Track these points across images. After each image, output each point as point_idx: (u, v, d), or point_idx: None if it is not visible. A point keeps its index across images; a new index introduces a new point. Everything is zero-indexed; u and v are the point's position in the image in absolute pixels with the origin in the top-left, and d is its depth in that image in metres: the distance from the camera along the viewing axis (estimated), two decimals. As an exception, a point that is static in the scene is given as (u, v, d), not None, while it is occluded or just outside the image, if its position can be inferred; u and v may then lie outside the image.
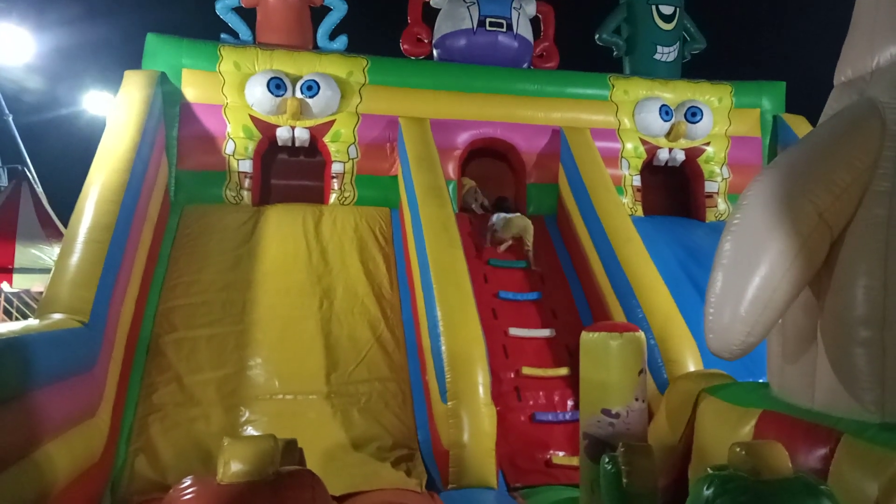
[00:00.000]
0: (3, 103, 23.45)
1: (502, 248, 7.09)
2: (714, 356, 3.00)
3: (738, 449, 2.33)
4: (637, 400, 3.87)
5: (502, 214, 7.16)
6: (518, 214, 7.24)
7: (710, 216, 8.34)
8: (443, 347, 4.99)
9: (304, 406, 5.33)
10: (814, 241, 2.84)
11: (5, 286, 13.95)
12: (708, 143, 8.40)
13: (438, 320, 5.16)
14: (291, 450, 3.11)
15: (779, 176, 2.92)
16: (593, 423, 3.89)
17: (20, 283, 14.43)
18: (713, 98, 8.45)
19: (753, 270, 2.78)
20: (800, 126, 8.24)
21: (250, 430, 5.08)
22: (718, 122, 8.40)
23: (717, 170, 8.41)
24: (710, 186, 8.40)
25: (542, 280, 6.96)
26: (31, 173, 19.61)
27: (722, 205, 8.38)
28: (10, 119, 23.36)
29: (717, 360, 3.42)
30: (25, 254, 14.97)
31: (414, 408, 5.53)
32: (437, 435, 5.02)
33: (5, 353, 3.25)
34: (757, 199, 2.89)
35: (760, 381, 4.08)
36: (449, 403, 4.78)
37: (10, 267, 14.55)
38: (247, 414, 5.20)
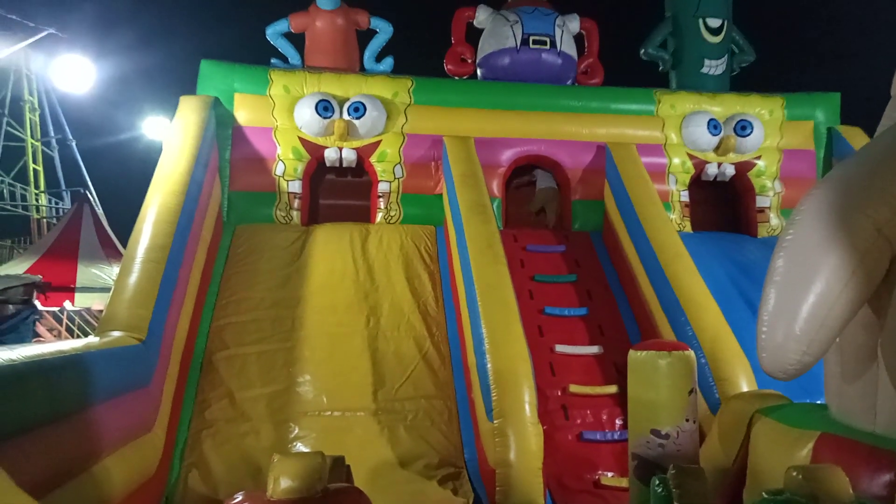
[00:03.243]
0: (67, 129, 24.57)
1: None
2: (768, 376, 2.92)
3: (795, 473, 2.26)
4: (688, 420, 3.79)
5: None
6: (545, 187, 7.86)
7: (763, 231, 8.13)
8: (488, 365, 4.97)
9: (351, 423, 5.38)
10: (872, 256, 2.74)
11: (67, 304, 14.52)
12: (759, 157, 8.21)
13: (483, 337, 5.16)
14: (339, 467, 3.14)
15: (834, 189, 2.83)
16: (642, 443, 3.82)
17: (81, 301, 15.01)
18: (764, 111, 8.27)
19: (808, 287, 2.69)
20: (856, 138, 7.99)
21: (299, 447, 5.15)
22: (770, 136, 8.20)
23: (769, 184, 8.21)
24: (761, 201, 8.20)
25: (590, 296, 6.89)
26: (93, 196, 20.48)
27: (774, 220, 8.16)
28: (74, 144, 24.45)
29: (771, 381, 3.32)
30: (86, 273, 15.58)
31: (460, 426, 5.52)
32: (483, 453, 4.99)
33: (67, 370, 3.38)
34: (811, 213, 2.81)
35: (818, 402, 3.94)
36: (495, 422, 4.75)
37: (72, 286, 15.15)
38: (296, 430, 5.27)
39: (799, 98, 8.44)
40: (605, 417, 5.73)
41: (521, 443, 4.63)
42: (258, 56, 7.95)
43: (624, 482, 4.96)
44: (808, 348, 2.71)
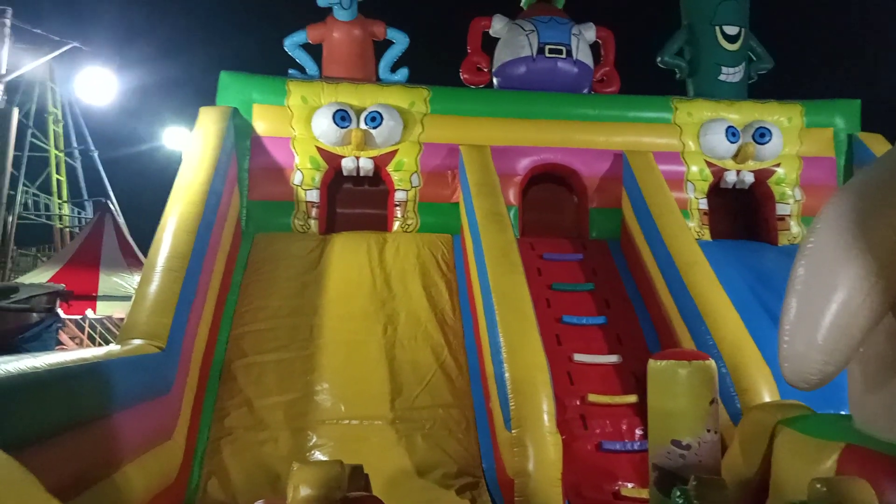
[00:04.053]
0: (90, 140, 24.97)
1: None
2: (790, 386, 2.88)
3: (818, 485, 2.23)
4: (709, 431, 3.75)
5: None
6: None
7: (783, 240, 8.04)
8: (506, 374, 4.96)
9: (368, 431, 5.38)
10: (894, 264, 2.70)
11: (89, 312, 14.71)
12: (778, 165, 8.14)
13: (501, 346, 5.15)
14: (357, 475, 3.14)
15: (855, 197, 2.80)
16: (663, 454, 3.78)
17: (103, 309, 15.21)
18: (783, 118, 8.20)
19: (830, 296, 2.66)
20: (877, 144, 7.89)
21: (317, 455, 5.16)
22: (789, 143, 8.13)
23: (789, 192, 8.13)
24: (781, 209, 8.11)
25: (608, 304, 6.85)
26: (114, 205, 20.76)
27: (795, 228, 8.07)
28: (96, 154, 24.83)
29: (793, 391, 3.27)
30: (108, 282, 15.80)
31: (478, 435, 5.50)
32: (501, 463, 4.97)
33: (89, 378, 3.43)
34: (832, 221, 2.79)
35: (842, 412, 3.88)
36: (513, 431, 4.73)
37: (94, 294, 15.36)
38: (313, 438, 5.29)
39: (818, 105, 8.36)
40: (624, 427, 5.68)
41: (540, 452, 4.61)
42: (276, 67, 8.05)
43: (644, 493, 4.91)
44: (830, 358, 2.67)
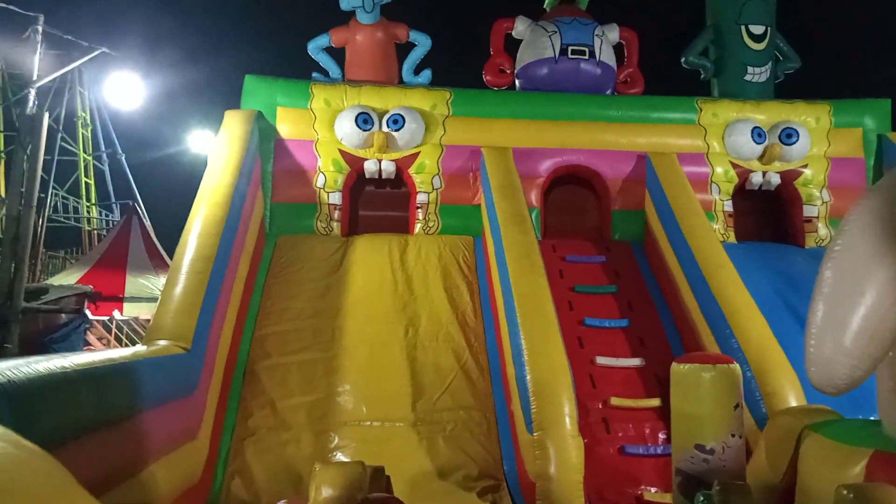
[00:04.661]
0: (117, 144, 25.41)
1: None
2: (817, 390, 2.84)
3: (845, 492, 2.19)
4: (733, 436, 3.70)
5: None
6: None
7: (810, 242, 7.91)
8: (527, 376, 4.95)
9: (390, 433, 5.40)
10: (926, 267, 2.65)
11: (116, 314, 14.95)
12: (805, 165, 8.01)
13: (522, 349, 5.13)
14: (379, 477, 3.16)
15: (884, 198, 2.75)
16: (686, 458, 3.74)
17: (130, 310, 15.44)
18: (810, 118, 8.07)
19: (858, 299, 2.62)
20: (908, 145, 7.74)
21: (339, 456, 5.19)
22: (816, 143, 8.00)
23: (817, 193, 8.00)
24: (809, 210, 7.99)
25: (630, 306, 6.79)
26: (141, 208, 21.09)
27: (823, 230, 7.93)
28: (123, 158, 25.25)
29: (820, 395, 3.22)
30: (135, 283, 16.05)
31: (499, 437, 5.49)
32: (523, 466, 4.95)
33: (116, 378, 3.49)
34: (860, 222, 2.74)
35: (871, 418, 3.80)
36: (534, 434, 4.71)
37: (121, 296, 15.61)
38: (335, 439, 5.32)
39: (847, 105, 8.22)
40: (647, 431, 5.63)
41: (562, 455, 4.59)
42: (300, 70, 8.12)
43: (667, 498, 4.86)
44: (858, 362, 2.63)
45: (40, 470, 0.80)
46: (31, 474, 0.78)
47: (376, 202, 8.20)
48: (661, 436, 5.55)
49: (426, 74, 8.22)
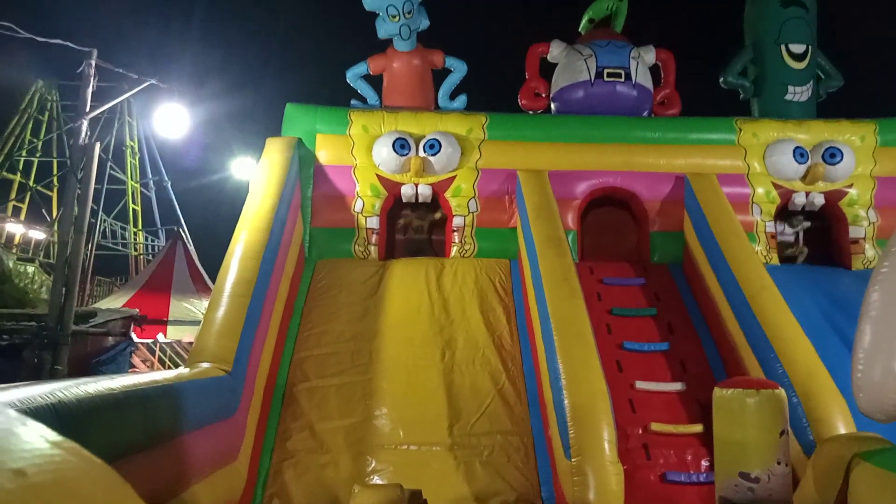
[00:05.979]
0: (164, 171, 26.22)
1: None
2: (866, 417, 2.75)
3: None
4: (779, 463, 3.60)
5: None
6: None
7: (857, 263, 7.69)
8: (565, 401, 4.89)
9: (427, 457, 5.39)
10: (979, 289, 2.56)
11: (160, 336, 15.30)
12: (850, 185, 7.82)
13: (560, 373, 5.08)
14: (416, 501, 3.16)
15: (932, 219, 2.68)
16: (730, 486, 3.65)
17: (173, 333, 15.80)
18: (854, 137, 7.90)
19: (907, 323, 2.54)
20: (959, 163, 7.50)
21: (377, 479, 5.19)
22: (862, 163, 7.81)
23: (863, 213, 7.79)
24: (855, 231, 7.78)
25: (671, 330, 6.68)
26: (185, 233, 21.66)
27: (870, 251, 7.70)
28: (169, 185, 26.04)
29: (870, 422, 3.12)
30: (178, 307, 16.42)
31: (537, 463, 5.42)
32: (561, 492, 4.88)
33: (161, 399, 3.57)
34: (908, 244, 2.67)
35: (926, 446, 3.66)
36: (573, 460, 4.65)
37: (165, 319, 15.98)
38: (373, 463, 5.33)
39: (893, 123, 8.02)
40: (689, 458, 5.49)
41: (601, 482, 4.51)
42: (339, 98, 8.30)
43: (711, 527, 4.73)
44: (909, 388, 2.54)
45: (103, 480, 0.84)
46: (95, 484, 0.82)
47: (413, 226, 8.27)
48: (704, 463, 5.40)
49: (462, 99, 8.32)
